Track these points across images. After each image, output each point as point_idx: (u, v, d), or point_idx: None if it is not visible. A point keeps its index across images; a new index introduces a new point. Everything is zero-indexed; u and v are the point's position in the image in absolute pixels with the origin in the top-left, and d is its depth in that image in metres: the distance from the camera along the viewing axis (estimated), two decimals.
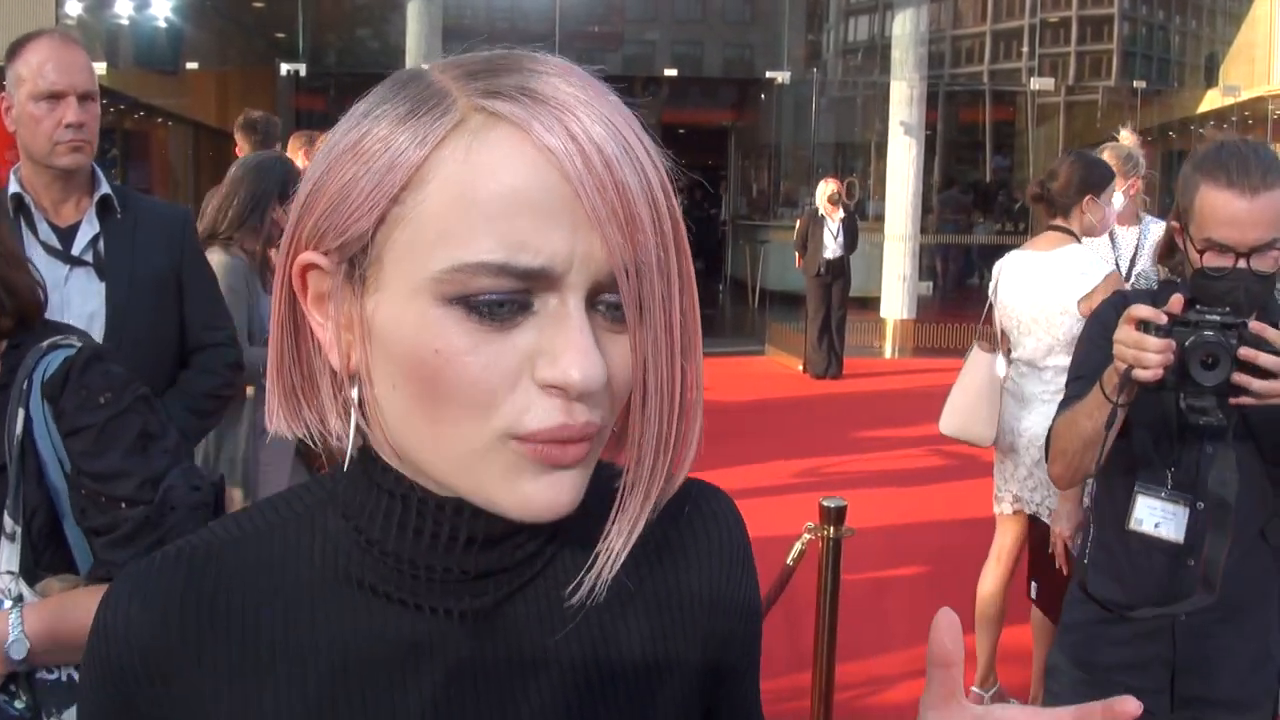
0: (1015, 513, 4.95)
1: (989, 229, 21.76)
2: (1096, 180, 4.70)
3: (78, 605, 1.84)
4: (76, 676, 1.90)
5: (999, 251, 5.37)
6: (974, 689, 5.10)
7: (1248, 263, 2.56)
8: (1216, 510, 2.56)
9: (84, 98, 3.15)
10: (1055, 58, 22.20)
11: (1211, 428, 2.54)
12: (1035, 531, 4.41)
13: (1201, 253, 2.61)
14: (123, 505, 1.89)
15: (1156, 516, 2.72)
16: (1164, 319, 2.45)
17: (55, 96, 3.11)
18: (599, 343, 0.85)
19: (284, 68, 18.02)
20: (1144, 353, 2.44)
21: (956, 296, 20.92)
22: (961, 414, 4.75)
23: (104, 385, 1.92)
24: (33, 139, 3.16)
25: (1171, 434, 2.68)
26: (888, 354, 16.67)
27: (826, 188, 13.91)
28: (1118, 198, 5.21)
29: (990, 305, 4.95)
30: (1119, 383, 2.52)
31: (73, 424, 1.89)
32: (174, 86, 20.03)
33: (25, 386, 1.88)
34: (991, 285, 4.92)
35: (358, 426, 0.94)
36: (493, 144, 0.83)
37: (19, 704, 1.87)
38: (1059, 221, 4.72)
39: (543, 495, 0.87)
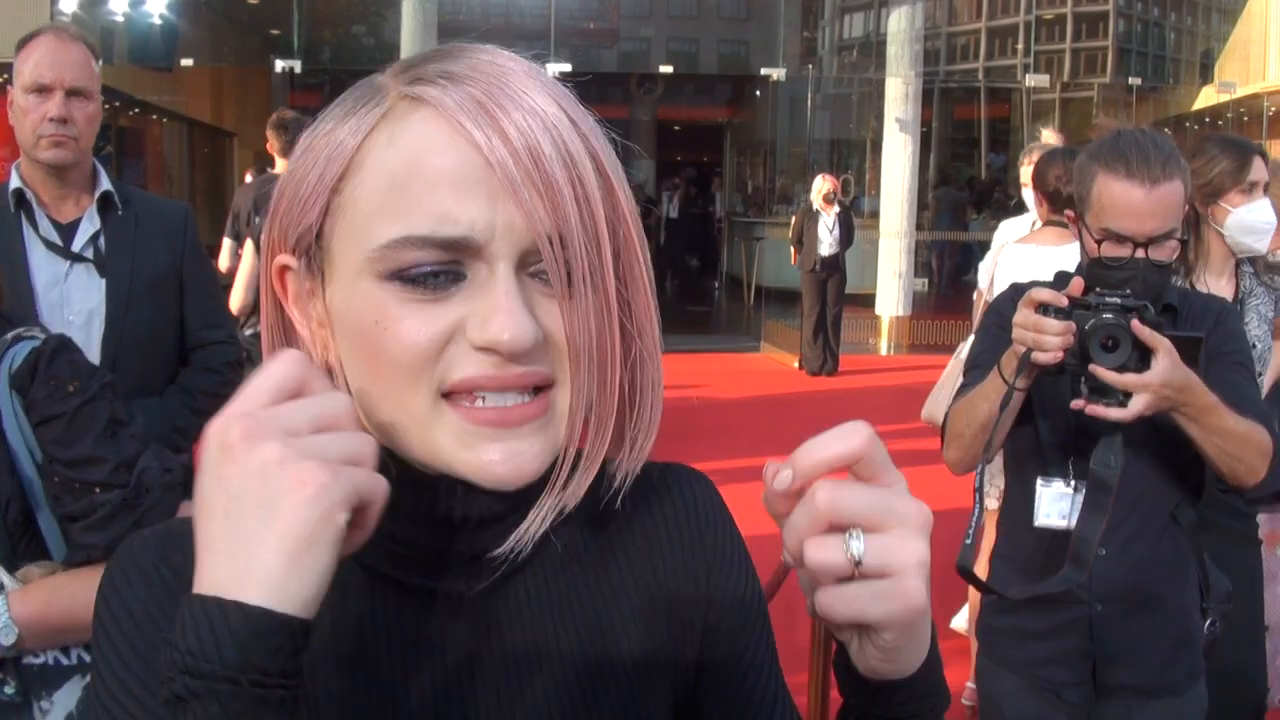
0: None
1: (984, 225, 21.77)
2: None
3: (62, 589, 1.89)
4: (64, 660, 1.94)
5: None
6: (969, 684, 5.11)
7: (1145, 253, 2.54)
8: (1096, 491, 2.52)
9: (73, 93, 3.15)
10: (1050, 54, 22.22)
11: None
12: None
13: (1099, 242, 2.59)
14: (97, 490, 1.92)
15: (1061, 509, 2.70)
16: (1064, 301, 2.43)
17: (43, 90, 3.12)
18: (535, 306, 0.88)
19: (279, 65, 18.00)
20: (1043, 335, 2.42)
21: (952, 293, 20.90)
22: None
23: (71, 374, 1.96)
24: (20, 131, 3.19)
25: (1070, 424, 2.64)
26: (883, 351, 16.66)
27: (822, 185, 13.90)
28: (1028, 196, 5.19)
29: (981, 297, 4.95)
30: (1017, 365, 2.49)
31: (43, 413, 1.92)
32: (169, 83, 19.99)
33: None
34: (985, 278, 4.90)
35: None
36: (413, 126, 0.88)
37: (8, 689, 1.91)
38: (1054, 216, 4.74)
39: (501, 464, 0.89)
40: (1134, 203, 2.52)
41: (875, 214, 18.07)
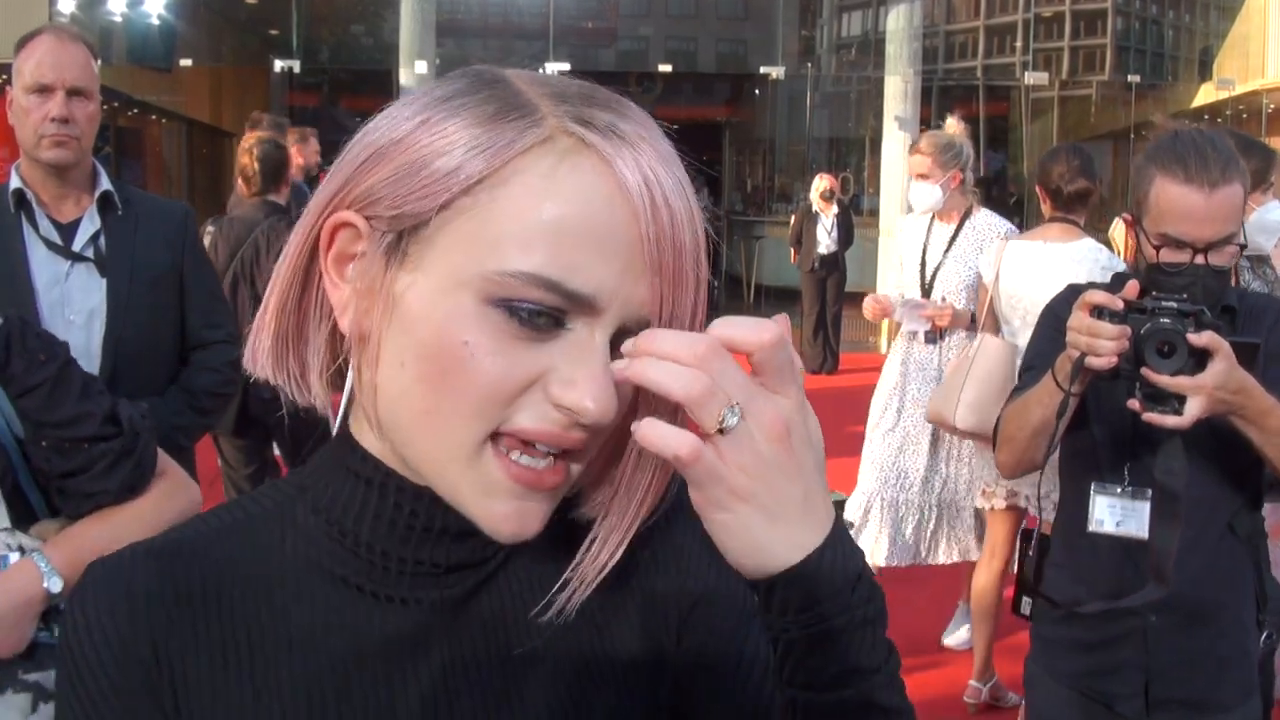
0: (1008, 508, 4.96)
1: None
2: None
3: (88, 534, 1.98)
4: None
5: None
6: (972, 682, 5.11)
7: (1205, 258, 2.46)
8: (1165, 500, 2.47)
9: (74, 93, 3.15)
10: (1049, 52, 22.26)
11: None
12: (1027, 545, 4.34)
13: (1157, 248, 2.51)
14: (86, 445, 1.99)
15: (1117, 515, 2.62)
16: (1119, 305, 2.36)
17: (44, 90, 3.12)
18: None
19: (277, 64, 18.03)
20: (1098, 339, 2.35)
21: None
22: (983, 408, 4.64)
23: (40, 346, 2.04)
24: (21, 131, 3.18)
25: (1127, 428, 2.55)
26: (883, 349, 16.61)
27: (820, 184, 13.91)
28: (934, 190, 5.19)
29: (987, 293, 4.92)
30: (1071, 370, 2.42)
31: (24, 385, 1.99)
32: (168, 83, 20.02)
33: None
34: (989, 272, 4.85)
35: (346, 396, 0.97)
36: (578, 169, 0.86)
37: (56, 635, 1.96)
38: (1063, 214, 4.76)
39: (512, 520, 0.89)
40: (1193, 207, 2.44)
41: (874, 212, 18.10)
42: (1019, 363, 4.61)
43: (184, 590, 0.94)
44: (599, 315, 0.86)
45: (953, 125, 5.51)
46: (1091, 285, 2.62)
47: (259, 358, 0.98)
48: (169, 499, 2.08)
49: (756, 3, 22.59)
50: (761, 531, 0.82)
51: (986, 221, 5.36)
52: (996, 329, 4.89)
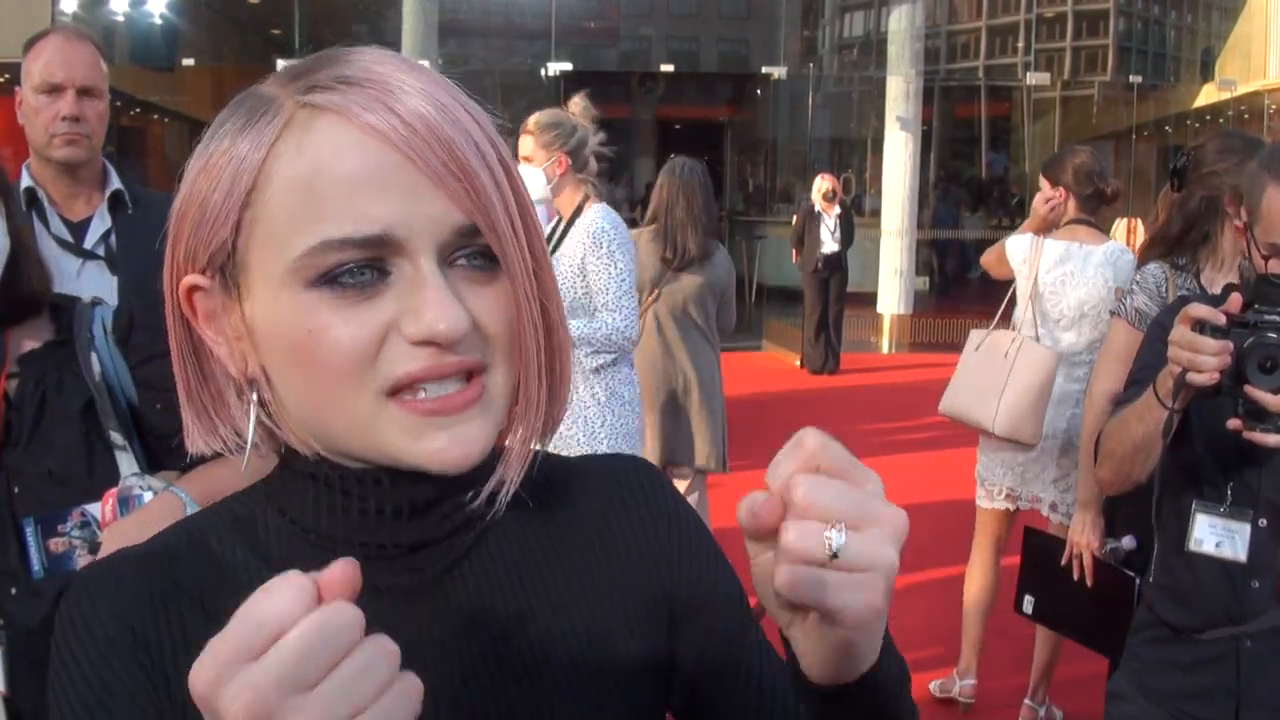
0: (1007, 509, 4.96)
1: (985, 224, 21.76)
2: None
3: (214, 474, 2.16)
4: None
5: None
6: (961, 680, 5.14)
7: None
8: (1277, 521, 2.40)
9: (84, 92, 3.18)
10: (1051, 53, 22.23)
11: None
12: (1031, 544, 4.34)
13: (1267, 259, 2.44)
14: None
15: (1217, 535, 2.51)
16: (1222, 319, 2.24)
17: (54, 89, 3.15)
18: (462, 294, 0.90)
19: (280, 65, 17.94)
20: (1199, 355, 2.24)
21: (953, 292, 20.92)
22: (1021, 415, 4.61)
23: (160, 323, 2.27)
24: (32, 130, 3.21)
25: (1230, 446, 2.42)
26: (885, 349, 16.68)
27: (823, 184, 13.90)
28: (537, 174, 4.53)
29: (1014, 292, 4.90)
30: (1173, 387, 2.32)
31: (147, 353, 2.28)
32: (170, 83, 20.00)
33: (88, 337, 2.24)
34: (1025, 271, 4.79)
35: (270, 430, 0.99)
36: (319, 133, 0.89)
37: None
38: (1083, 215, 4.78)
39: (450, 449, 0.92)
40: None
41: (876, 213, 18.08)
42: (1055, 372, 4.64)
43: (172, 591, 0.98)
44: (408, 246, 0.89)
45: (575, 103, 4.91)
46: (1191, 298, 2.52)
47: (196, 440, 1.02)
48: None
49: (758, 3, 22.54)
50: (852, 646, 0.83)
51: (594, 222, 4.58)
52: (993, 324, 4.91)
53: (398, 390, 0.90)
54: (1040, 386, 4.58)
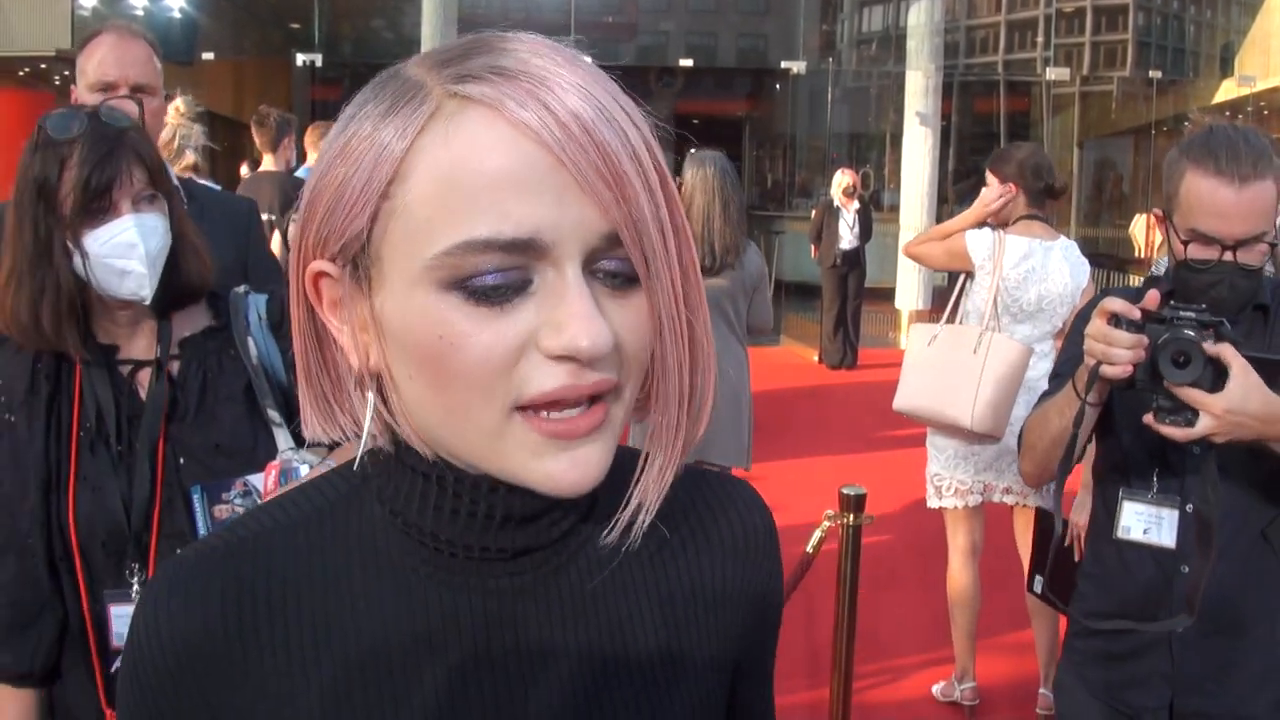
0: (980, 505, 4.94)
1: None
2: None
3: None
4: None
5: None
6: (961, 685, 5.13)
7: (1234, 256, 2.41)
8: (1199, 528, 2.41)
9: (137, 89, 3.19)
10: (1070, 48, 22.15)
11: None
12: (1042, 524, 4.34)
13: (1186, 244, 2.46)
14: None
15: (1145, 522, 2.57)
16: (1137, 314, 2.29)
17: (108, 88, 3.16)
18: (603, 308, 0.86)
19: (299, 58, 18.04)
20: (1111, 348, 2.30)
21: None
22: (998, 411, 4.55)
23: None
24: None
25: (1154, 435, 2.42)
26: (903, 344, 16.64)
27: (842, 179, 13.88)
28: None
29: (965, 285, 4.91)
30: (1087, 380, 2.37)
31: None
32: (189, 77, 20.05)
33: (244, 323, 2.37)
34: (989, 267, 4.76)
35: (387, 423, 0.97)
36: (468, 126, 0.85)
37: None
38: (1033, 210, 4.84)
39: (569, 472, 0.88)
40: (1222, 202, 2.39)
41: (895, 208, 18.04)
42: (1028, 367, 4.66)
43: (249, 589, 0.96)
44: (553, 252, 0.84)
45: (181, 102, 5.19)
46: (1113, 291, 2.54)
47: (309, 424, 1.00)
48: None
49: None
50: None
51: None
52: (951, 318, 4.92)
53: (528, 408, 0.87)
54: (1013, 381, 4.59)
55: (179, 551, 1.01)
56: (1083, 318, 2.64)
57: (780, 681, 1.21)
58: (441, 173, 0.84)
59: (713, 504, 1.11)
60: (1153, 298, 2.30)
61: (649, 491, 0.97)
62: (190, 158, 5.13)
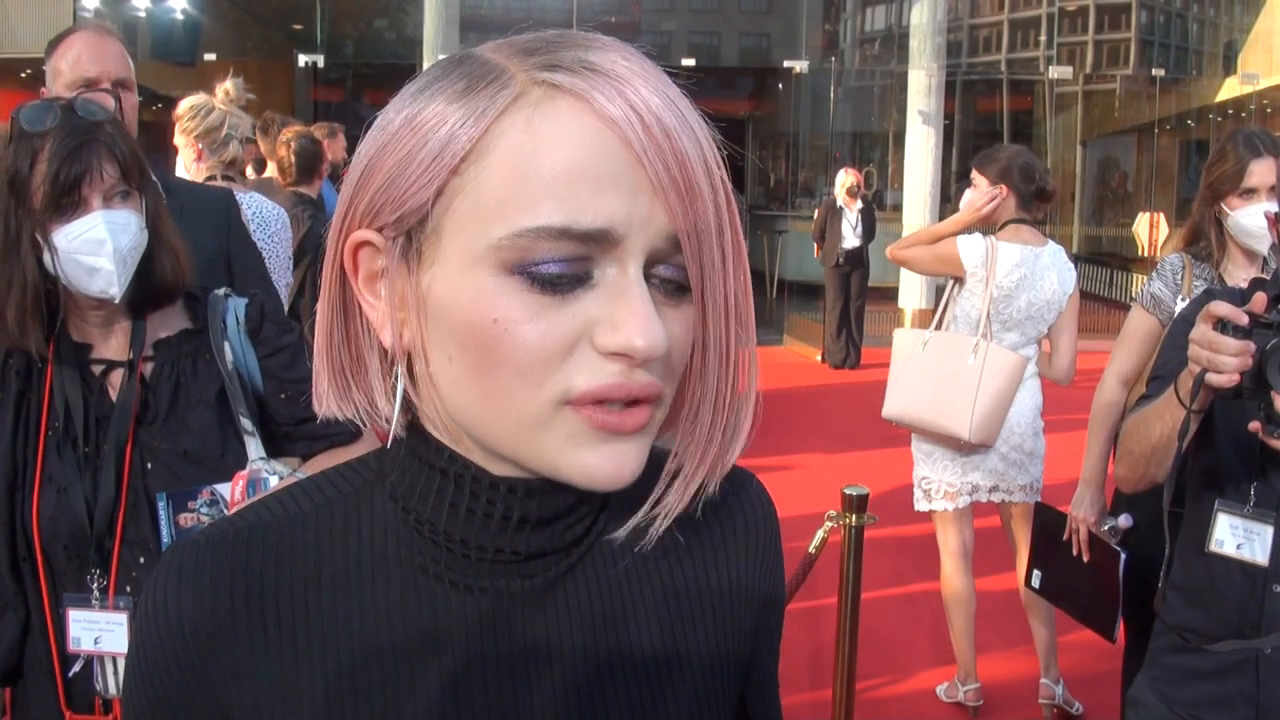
0: (968, 506, 4.91)
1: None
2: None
3: (336, 459, 2.35)
4: None
5: None
6: (964, 686, 5.11)
7: None
8: None
9: (117, 84, 3.18)
10: (1073, 46, 22.16)
11: None
12: (1041, 519, 4.33)
13: None
14: None
15: (1238, 537, 2.42)
16: (1244, 318, 2.15)
17: (89, 84, 3.14)
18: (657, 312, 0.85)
19: (302, 59, 18.06)
20: (1219, 355, 2.16)
21: None
22: (994, 421, 4.58)
23: (284, 318, 2.50)
24: None
25: (1255, 447, 2.32)
26: None
27: (845, 179, 13.88)
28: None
29: (954, 291, 4.87)
30: (1192, 387, 2.22)
31: (274, 346, 2.41)
32: (192, 78, 20.07)
33: (221, 327, 2.35)
34: (982, 274, 4.70)
35: (407, 406, 0.95)
36: (554, 115, 0.84)
37: None
38: (1022, 214, 4.81)
39: (605, 465, 0.87)
40: None
41: (898, 207, 18.04)
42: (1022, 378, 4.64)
43: (257, 577, 0.95)
44: (621, 248, 0.84)
45: (229, 88, 4.96)
46: (1217, 293, 2.44)
47: (323, 399, 0.98)
48: (375, 441, 2.38)
49: None
50: None
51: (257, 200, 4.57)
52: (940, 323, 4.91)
53: (577, 402, 0.86)
54: (1009, 391, 4.60)
55: (189, 536, 1.00)
56: (1182, 319, 2.56)
57: (783, 682, 1.21)
58: (521, 156, 0.84)
59: (727, 500, 1.10)
60: (1259, 301, 2.18)
61: (669, 503, 0.96)
62: (233, 150, 4.85)
